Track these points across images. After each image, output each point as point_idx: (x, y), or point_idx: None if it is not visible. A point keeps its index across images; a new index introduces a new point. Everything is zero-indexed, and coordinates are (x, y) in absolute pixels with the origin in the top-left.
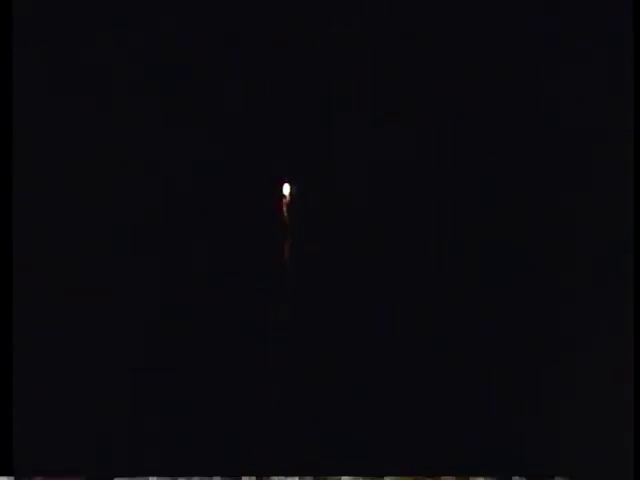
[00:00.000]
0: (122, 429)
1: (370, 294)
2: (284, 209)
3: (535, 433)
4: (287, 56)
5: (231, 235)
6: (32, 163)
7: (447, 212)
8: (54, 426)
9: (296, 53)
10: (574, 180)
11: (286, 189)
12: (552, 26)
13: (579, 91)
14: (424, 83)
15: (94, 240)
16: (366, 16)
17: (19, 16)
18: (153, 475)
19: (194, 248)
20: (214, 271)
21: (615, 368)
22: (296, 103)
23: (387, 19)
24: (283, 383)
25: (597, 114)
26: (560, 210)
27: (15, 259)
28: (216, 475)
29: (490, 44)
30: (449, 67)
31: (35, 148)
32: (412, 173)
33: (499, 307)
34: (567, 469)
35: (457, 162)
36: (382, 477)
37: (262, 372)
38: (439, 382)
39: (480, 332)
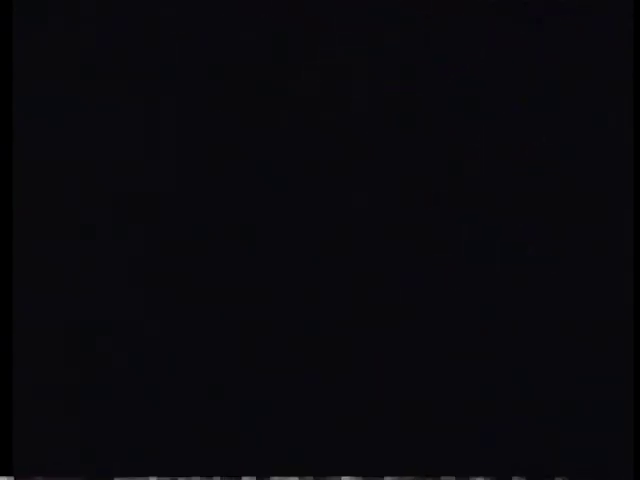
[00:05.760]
0: (122, 429)
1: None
2: None
3: (535, 432)
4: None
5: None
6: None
7: None
8: (54, 426)
9: None
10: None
11: None
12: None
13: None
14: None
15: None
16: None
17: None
18: (153, 475)
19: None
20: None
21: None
22: None
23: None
24: (282, 381)
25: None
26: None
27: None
28: (216, 475)
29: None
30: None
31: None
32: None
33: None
34: (567, 469)
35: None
36: (382, 477)
37: (262, 370)
38: (438, 379)
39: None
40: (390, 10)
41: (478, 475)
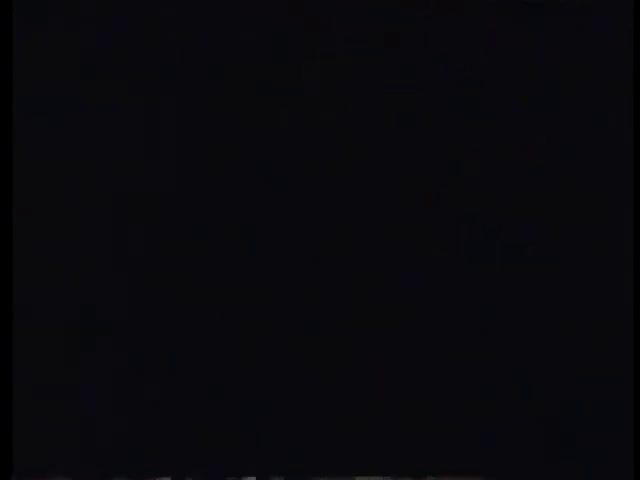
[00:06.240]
0: (122, 429)
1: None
2: None
3: (535, 433)
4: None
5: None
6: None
7: None
8: (54, 426)
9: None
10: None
11: None
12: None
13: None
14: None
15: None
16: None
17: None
18: (154, 475)
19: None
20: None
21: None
22: None
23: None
24: (282, 381)
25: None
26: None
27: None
28: (217, 475)
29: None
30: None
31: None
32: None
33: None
34: (567, 470)
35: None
36: (382, 477)
37: (262, 370)
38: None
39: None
40: (390, 10)
41: (478, 475)
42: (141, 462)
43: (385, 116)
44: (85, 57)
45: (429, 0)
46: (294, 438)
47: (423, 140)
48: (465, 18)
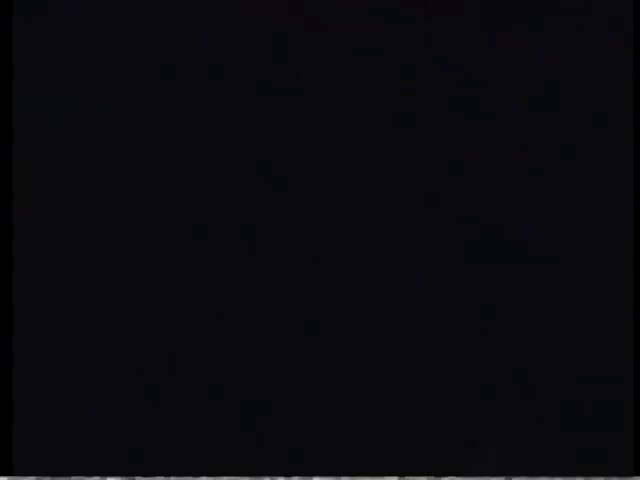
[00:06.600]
0: (122, 429)
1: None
2: None
3: (535, 432)
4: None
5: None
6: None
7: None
8: (54, 426)
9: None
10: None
11: None
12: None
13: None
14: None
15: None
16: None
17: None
18: (153, 475)
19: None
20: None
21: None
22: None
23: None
24: (282, 381)
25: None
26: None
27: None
28: (217, 475)
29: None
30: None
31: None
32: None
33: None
34: (567, 469)
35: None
36: (382, 477)
37: (262, 370)
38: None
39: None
40: (390, 10)
41: (478, 475)
42: (141, 462)
43: (385, 116)
44: (85, 57)
45: (429, 0)
46: (294, 438)
47: (423, 140)
48: (465, 18)
